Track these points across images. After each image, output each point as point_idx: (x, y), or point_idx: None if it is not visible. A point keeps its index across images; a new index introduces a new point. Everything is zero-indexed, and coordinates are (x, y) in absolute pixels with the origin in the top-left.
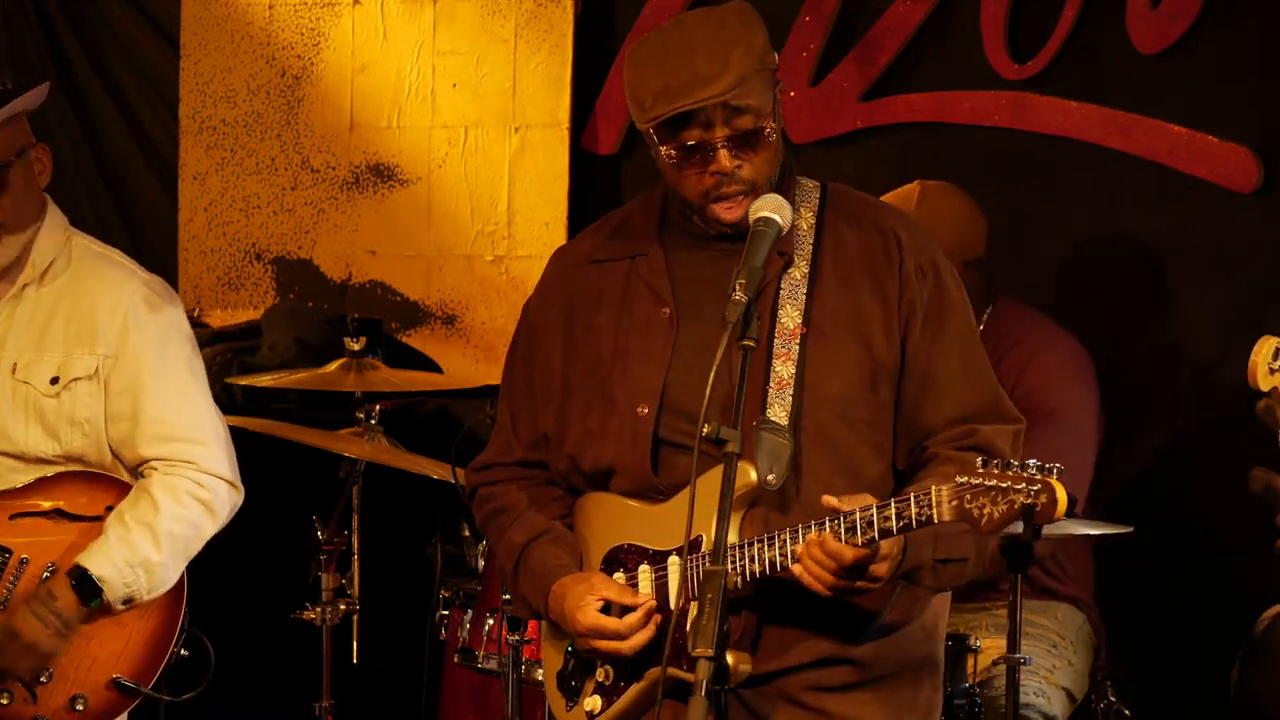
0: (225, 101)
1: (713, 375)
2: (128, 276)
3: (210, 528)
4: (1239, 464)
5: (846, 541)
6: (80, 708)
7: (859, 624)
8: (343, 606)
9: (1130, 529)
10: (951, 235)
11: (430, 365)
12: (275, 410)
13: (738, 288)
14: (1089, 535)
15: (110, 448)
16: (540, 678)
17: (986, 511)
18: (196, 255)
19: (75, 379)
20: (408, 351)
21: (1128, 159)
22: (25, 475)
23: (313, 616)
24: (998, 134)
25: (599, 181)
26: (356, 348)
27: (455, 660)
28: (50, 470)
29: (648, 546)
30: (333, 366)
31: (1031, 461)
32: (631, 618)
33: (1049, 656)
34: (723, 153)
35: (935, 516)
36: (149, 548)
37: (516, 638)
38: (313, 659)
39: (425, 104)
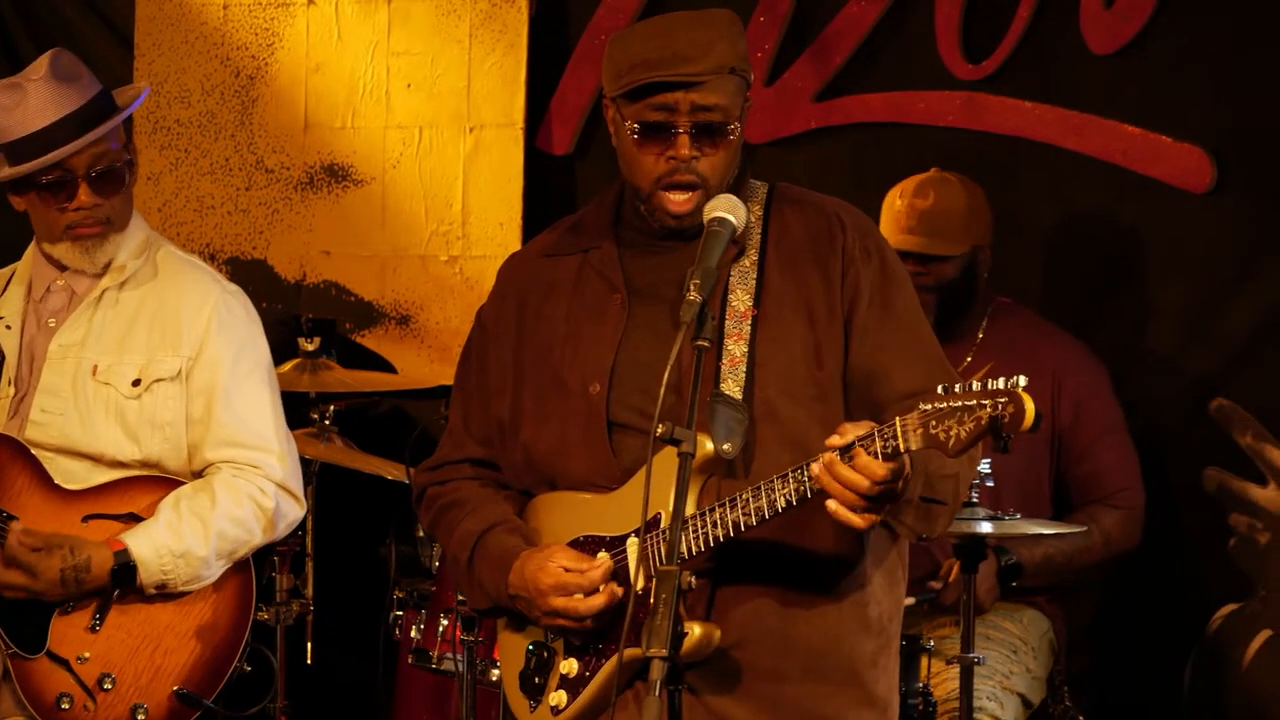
0: (179, 102)
1: (666, 375)
2: (213, 282)
3: (261, 537)
4: (1193, 463)
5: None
6: (141, 717)
7: (816, 590)
8: (297, 607)
9: (1084, 529)
10: (985, 217)
11: (385, 365)
12: None
13: (692, 288)
14: (1043, 535)
15: (188, 453)
16: (495, 678)
17: (953, 433)
18: None
19: (157, 380)
20: (362, 352)
21: (1082, 159)
22: (102, 478)
23: (267, 617)
24: (952, 134)
25: (553, 182)
26: (311, 348)
27: (410, 661)
28: (124, 475)
29: (604, 534)
30: (287, 367)
31: (1002, 379)
32: (593, 573)
33: (1007, 662)
34: (683, 138)
35: (902, 446)
36: (196, 540)
37: (471, 638)
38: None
39: (380, 104)
